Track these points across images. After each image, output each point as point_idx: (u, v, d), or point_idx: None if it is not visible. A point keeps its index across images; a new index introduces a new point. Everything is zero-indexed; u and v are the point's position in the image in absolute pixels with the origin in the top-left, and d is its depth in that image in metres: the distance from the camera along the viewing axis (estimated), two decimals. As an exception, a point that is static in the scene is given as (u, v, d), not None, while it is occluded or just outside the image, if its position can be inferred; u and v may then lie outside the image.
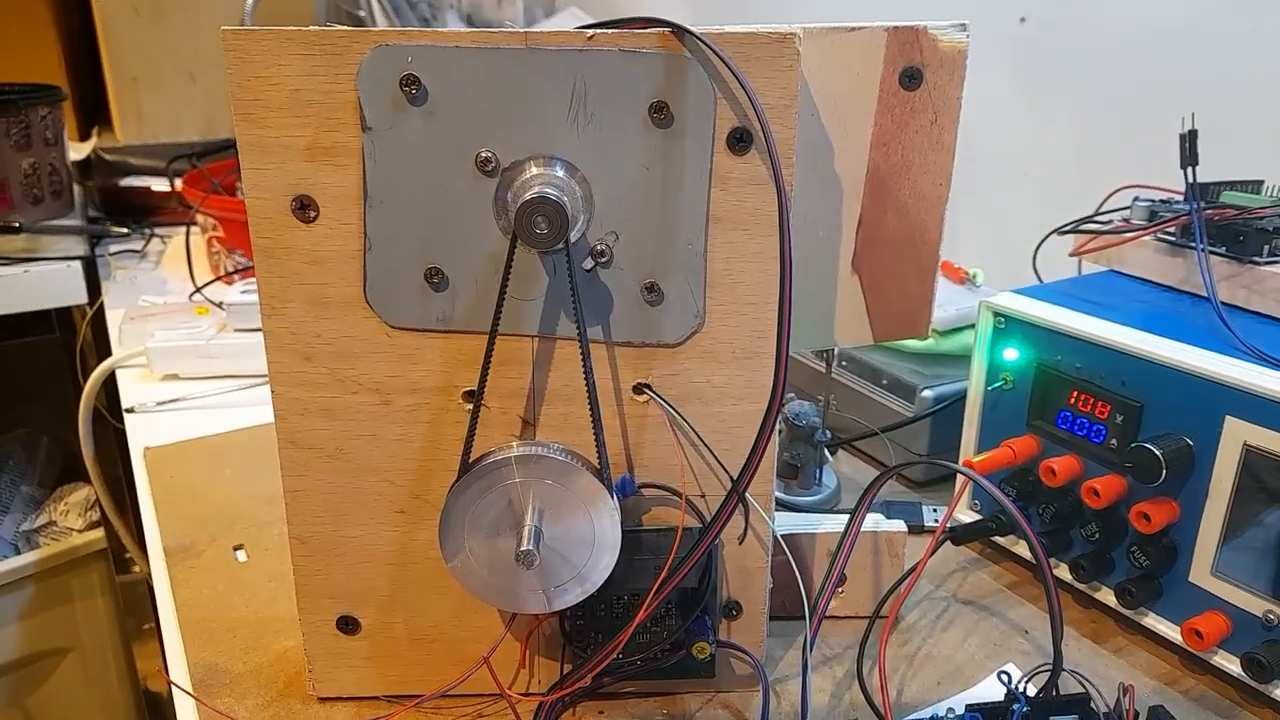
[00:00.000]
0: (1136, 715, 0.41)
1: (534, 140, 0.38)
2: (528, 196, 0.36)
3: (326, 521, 0.43)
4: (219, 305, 0.89)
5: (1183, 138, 0.51)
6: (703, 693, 0.48)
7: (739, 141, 0.38)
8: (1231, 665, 0.47)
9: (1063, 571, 0.54)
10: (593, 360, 0.41)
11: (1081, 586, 0.54)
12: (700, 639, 0.44)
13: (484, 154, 0.38)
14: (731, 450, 0.43)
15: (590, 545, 0.41)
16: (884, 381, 0.70)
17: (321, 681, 0.46)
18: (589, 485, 0.40)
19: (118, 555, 1.24)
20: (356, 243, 0.39)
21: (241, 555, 0.59)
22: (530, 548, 0.39)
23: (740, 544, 0.44)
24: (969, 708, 0.42)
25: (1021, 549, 0.57)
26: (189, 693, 0.46)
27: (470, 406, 0.42)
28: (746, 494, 0.41)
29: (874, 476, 0.63)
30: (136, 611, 1.29)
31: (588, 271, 0.40)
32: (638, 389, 0.42)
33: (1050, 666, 0.42)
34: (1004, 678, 0.41)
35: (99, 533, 1.23)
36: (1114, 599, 0.51)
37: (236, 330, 0.85)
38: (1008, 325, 0.55)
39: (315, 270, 0.39)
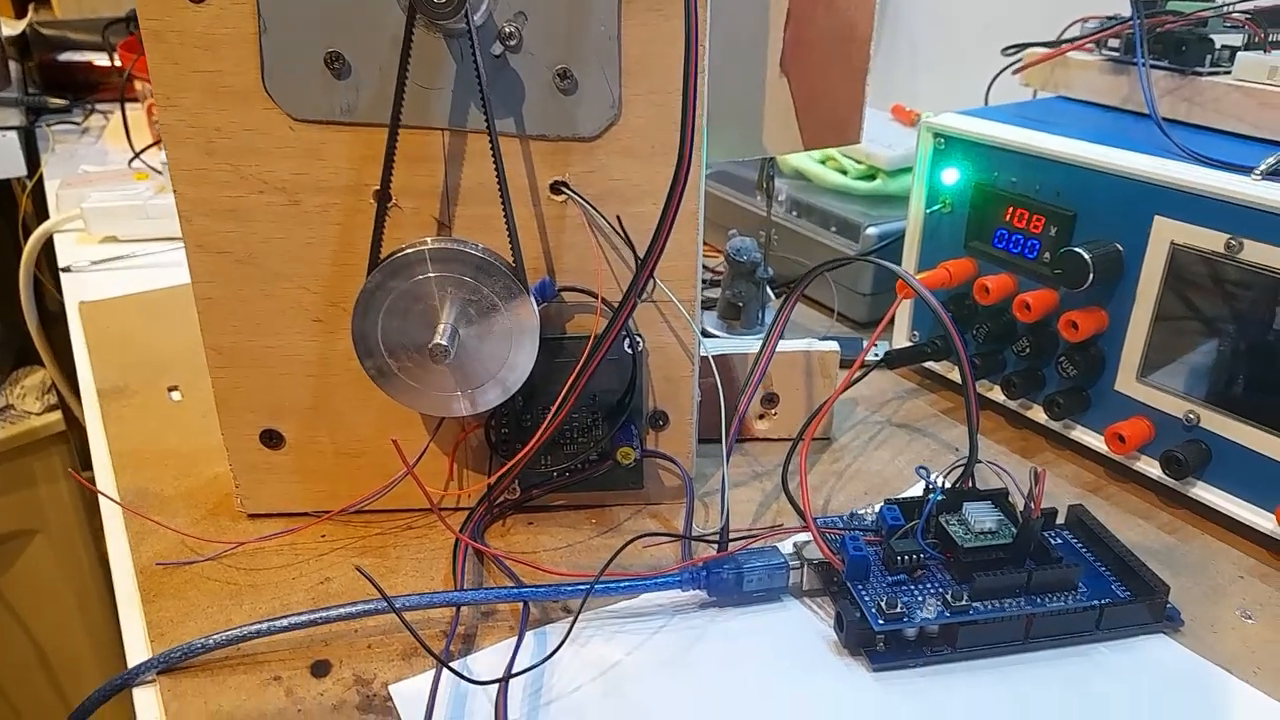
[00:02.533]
0: (1055, 514, 0.42)
1: (433, -90, 0.36)
2: (424, -36, 0.35)
3: (242, 330, 0.43)
4: (159, 171, 0.86)
5: (1125, -64, 0.49)
6: (632, 504, 0.48)
7: (650, -89, 0.36)
8: (1152, 469, 0.47)
9: (996, 394, 0.55)
10: (506, 156, 0.40)
11: (1013, 405, 0.54)
12: (625, 445, 0.44)
13: (380, -77, 0.36)
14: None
15: (508, 345, 0.40)
16: (833, 226, 0.69)
17: (249, 497, 0.46)
18: (505, 283, 0.39)
19: (81, 445, 1.24)
20: (251, 25, 0.37)
21: (176, 395, 0.59)
22: (443, 342, 0.38)
23: (638, 351, 0.44)
24: (887, 502, 0.42)
25: (957, 376, 0.57)
26: (116, 500, 0.46)
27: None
28: (657, 282, 0.40)
29: (822, 317, 0.62)
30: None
31: (496, 57, 0.38)
32: (555, 187, 0.41)
33: (961, 461, 0.42)
34: (922, 472, 0.41)
35: (57, 415, 1.22)
36: (1044, 414, 0.51)
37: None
38: (947, 145, 0.54)
39: (209, 56, 0.38)
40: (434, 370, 0.40)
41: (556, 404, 0.40)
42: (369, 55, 0.38)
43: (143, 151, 0.93)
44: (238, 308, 0.42)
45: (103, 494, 0.48)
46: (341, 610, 0.38)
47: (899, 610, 0.37)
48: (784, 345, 0.52)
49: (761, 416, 0.53)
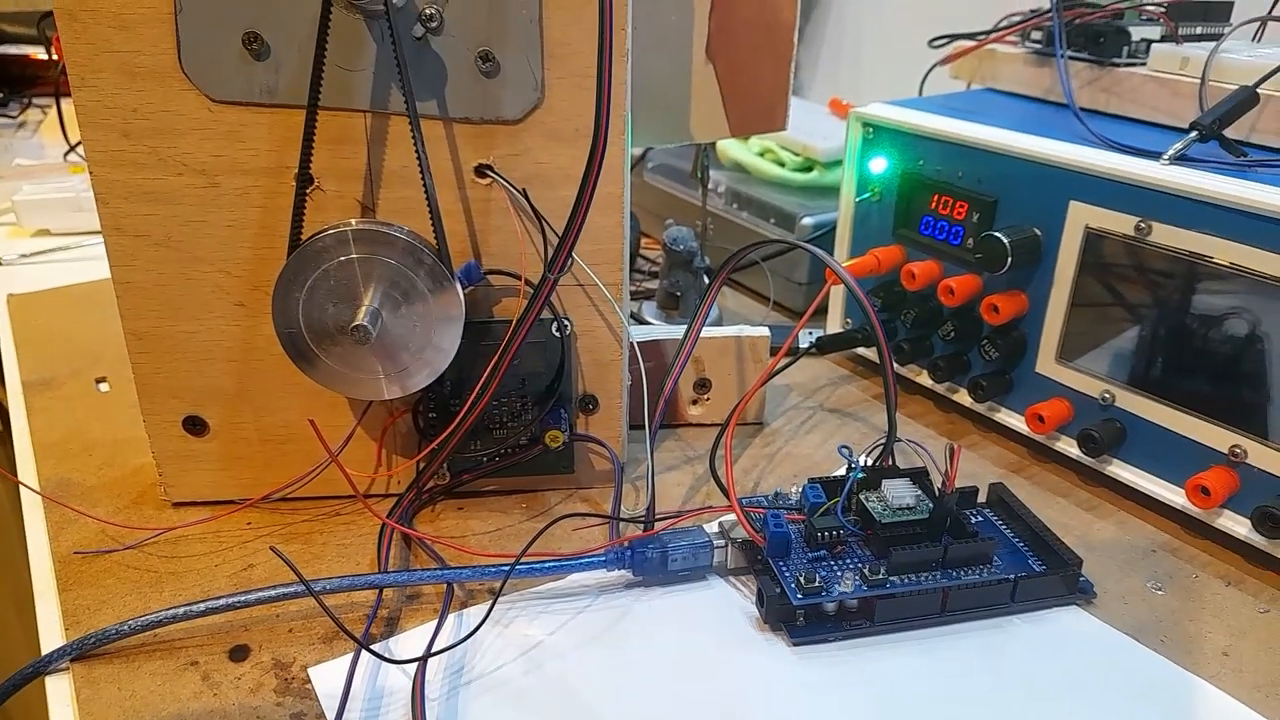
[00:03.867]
0: (974, 491, 0.42)
1: (350, -110, 0.36)
2: (339, -58, 0.34)
3: (163, 315, 0.42)
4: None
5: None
6: (563, 489, 0.48)
7: (567, -107, 0.37)
8: (1072, 449, 0.49)
9: (925, 379, 0.56)
10: (430, 139, 0.40)
11: (940, 389, 0.55)
12: (554, 428, 0.44)
13: (295, -98, 0.36)
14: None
15: (432, 327, 0.40)
16: (770, 218, 0.70)
17: (173, 486, 0.46)
18: (429, 266, 0.39)
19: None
20: (166, 4, 0.37)
21: (104, 387, 0.58)
22: (364, 323, 0.38)
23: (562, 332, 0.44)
24: (810, 481, 0.43)
25: (889, 361, 0.58)
26: (35, 489, 0.45)
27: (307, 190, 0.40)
28: (576, 259, 0.40)
29: (758, 306, 0.63)
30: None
31: (418, 40, 0.38)
32: (479, 171, 0.41)
33: (881, 440, 0.43)
34: (844, 451, 0.42)
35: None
36: (969, 397, 0.53)
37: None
38: (876, 135, 0.55)
39: (124, 36, 0.37)
40: (358, 353, 0.40)
41: (479, 385, 0.40)
42: (288, 36, 0.38)
43: (78, 145, 0.92)
44: (157, 292, 0.42)
45: (22, 483, 0.47)
46: (260, 594, 0.38)
47: (817, 585, 0.38)
48: (716, 331, 0.52)
49: (694, 402, 0.54)
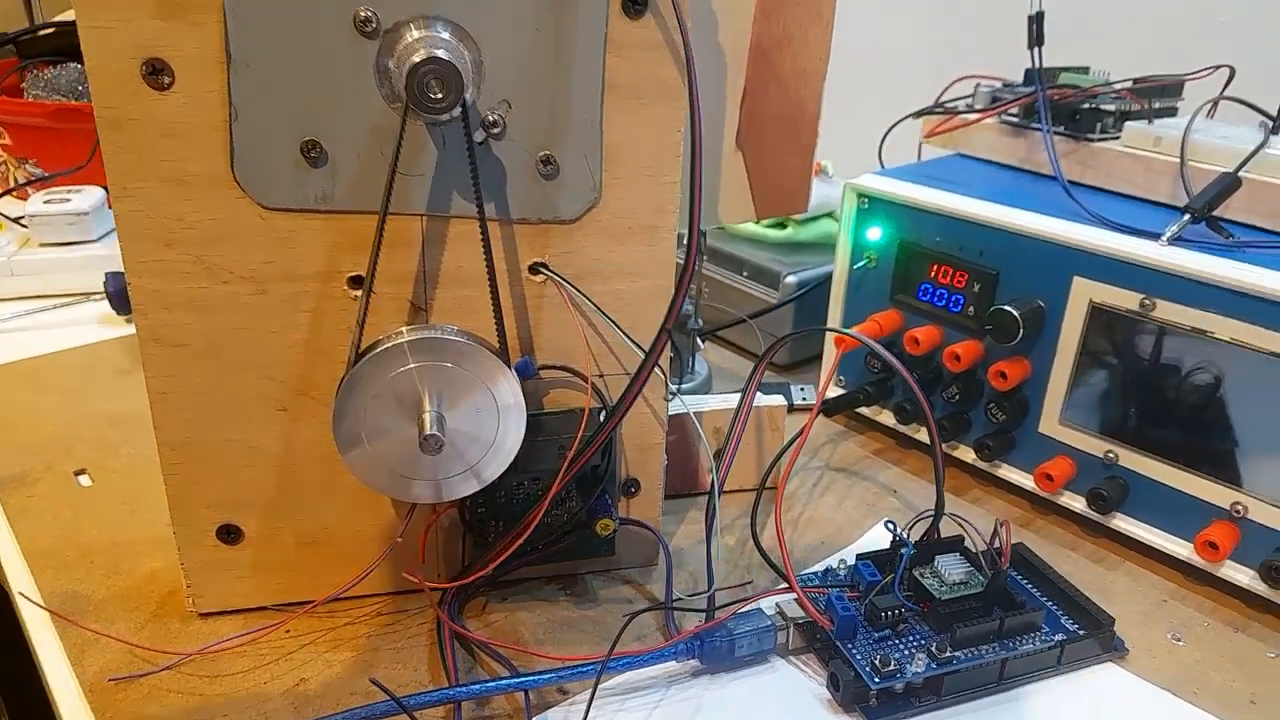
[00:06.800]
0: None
1: (416, -2, 0.35)
2: (418, 58, 0.34)
3: (200, 425, 0.40)
4: (17, 221, 0.79)
5: (1030, 19, 0.53)
6: (600, 571, 0.48)
7: (634, 4, 0.37)
8: (1075, 503, 0.52)
9: (923, 435, 0.58)
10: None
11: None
12: (604, 516, 0.44)
13: (363, 12, 0.35)
14: (631, 329, 0.42)
15: (494, 428, 0.40)
16: (745, 272, 0.72)
17: (201, 596, 0.44)
18: (490, 366, 0.39)
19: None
20: (220, 113, 0.35)
21: (85, 480, 0.54)
22: (435, 432, 0.38)
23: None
24: (860, 557, 0.44)
25: (885, 418, 0.60)
26: (52, 609, 0.42)
27: (356, 293, 0.39)
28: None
29: (745, 362, 0.64)
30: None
31: (479, 144, 0.38)
32: (534, 269, 0.41)
33: (928, 514, 0.45)
34: (890, 526, 0.44)
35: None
36: (973, 454, 0.55)
37: (42, 245, 0.77)
38: (871, 205, 0.57)
39: (173, 145, 0.35)
40: (424, 459, 0.39)
41: (557, 483, 0.40)
42: (347, 144, 0.37)
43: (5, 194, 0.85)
44: (195, 401, 0.40)
45: (33, 602, 0.44)
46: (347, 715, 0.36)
47: (893, 668, 0.39)
48: (733, 400, 0.53)
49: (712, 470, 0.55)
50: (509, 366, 0.39)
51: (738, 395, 0.54)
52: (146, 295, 0.38)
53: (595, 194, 0.40)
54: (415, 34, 0.36)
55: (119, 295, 0.70)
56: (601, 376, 0.44)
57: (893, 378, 0.58)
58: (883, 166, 0.70)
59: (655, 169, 0.40)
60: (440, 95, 0.34)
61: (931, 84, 0.69)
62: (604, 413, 0.44)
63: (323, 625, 0.44)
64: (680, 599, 0.46)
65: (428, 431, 0.38)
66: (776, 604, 0.43)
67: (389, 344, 0.38)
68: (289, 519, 0.43)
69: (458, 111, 0.35)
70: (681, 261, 0.39)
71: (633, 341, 0.42)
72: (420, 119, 0.37)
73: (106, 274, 0.70)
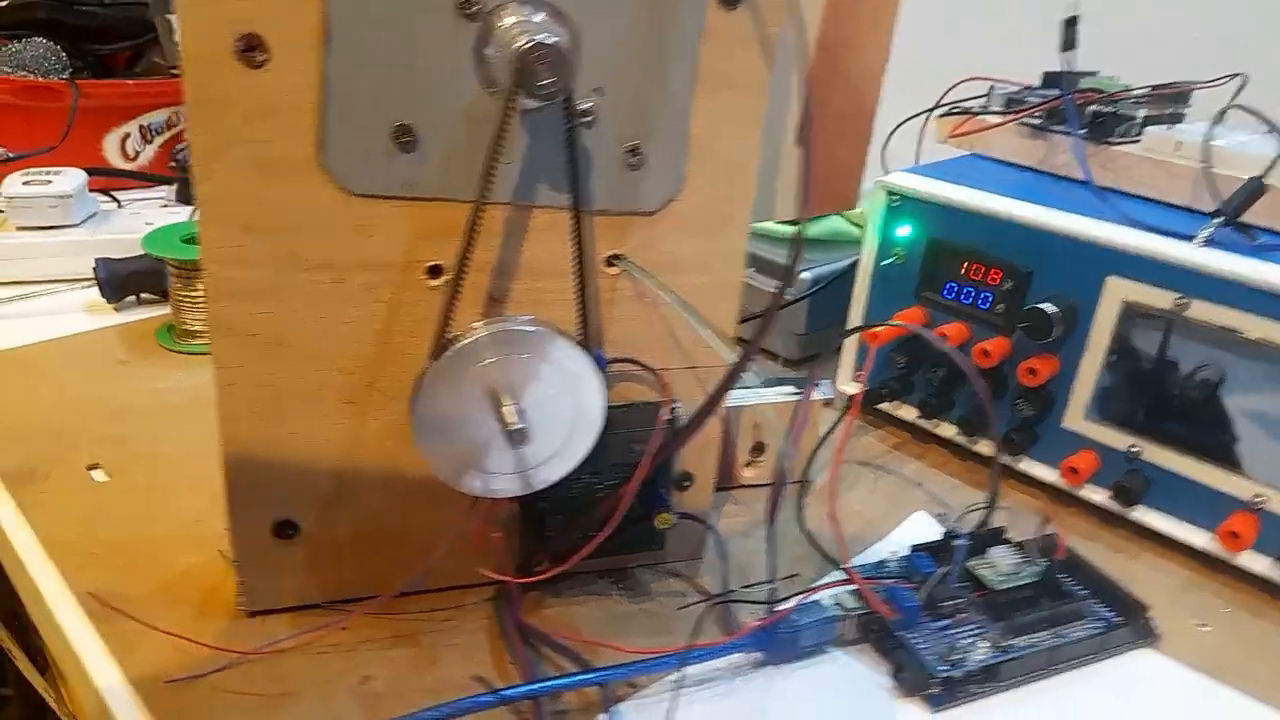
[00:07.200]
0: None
1: (517, -18, 0.35)
2: (526, 43, 0.33)
3: (264, 418, 0.39)
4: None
5: (1064, 23, 0.55)
6: (647, 565, 0.48)
7: (733, -6, 0.37)
8: (1097, 495, 0.54)
9: (944, 429, 0.60)
10: (565, 231, 0.39)
11: (961, 440, 0.59)
12: (662, 510, 0.45)
13: (466, -6, 0.34)
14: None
15: (571, 420, 0.40)
16: (755, 267, 0.72)
17: (253, 593, 0.42)
18: (572, 359, 0.39)
19: None
20: (311, 95, 0.34)
21: (99, 475, 0.52)
22: (520, 424, 0.37)
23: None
24: (914, 548, 0.45)
25: (904, 413, 0.62)
26: (111, 606, 0.41)
27: (433, 283, 0.38)
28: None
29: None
30: None
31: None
32: (610, 261, 0.41)
33: (978, 506, 0.46)
34: (943, 518, 0.45)
35: None
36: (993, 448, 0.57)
37: (20, 229, 0.73)
38: (902, 203, 0.58)
39: (260, 126, 0.34)
40: (501, 451, 0.39)
41: (637, 475, 0.40)
42: (439, 129, 0.36)
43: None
44: (262, 393, 0.38)
45: (97, 597, 0.42)
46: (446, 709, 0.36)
47: (958, 656, 0.40)
48: (772, 395, 0.54)
49: (748, 464, 0.55)
50: (594, 361, 0.39)
51: (767, 390, 0.55)
52: (220, 282, 0.36)
53: (678, 186, 0.40)
54: (513, 18, 0.35)
55: (109, 283, 0.67)
56: (666, 370, 0.43)
57: (915, 373, 0.60)
58: (884, 169, 0.71)
59: (735, 162, 0.40)
60: (549, 81, 0.34)
61: (931, 85, 0.70)
62: (671, 405, 0.44)
63: (380, 622, 0.43)
64: (736, 591, 0.46)
65: (514, 425, 0.37)
66: (834, 595, 0.44)
67: (472, 336, 0.37)
68: (347, 514, 0.42)
69: (568, 105, 0.35)
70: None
71: (720, 339, 0.42)
72: (518, 105, 0.36)
73: (97, 260, 0.67)
